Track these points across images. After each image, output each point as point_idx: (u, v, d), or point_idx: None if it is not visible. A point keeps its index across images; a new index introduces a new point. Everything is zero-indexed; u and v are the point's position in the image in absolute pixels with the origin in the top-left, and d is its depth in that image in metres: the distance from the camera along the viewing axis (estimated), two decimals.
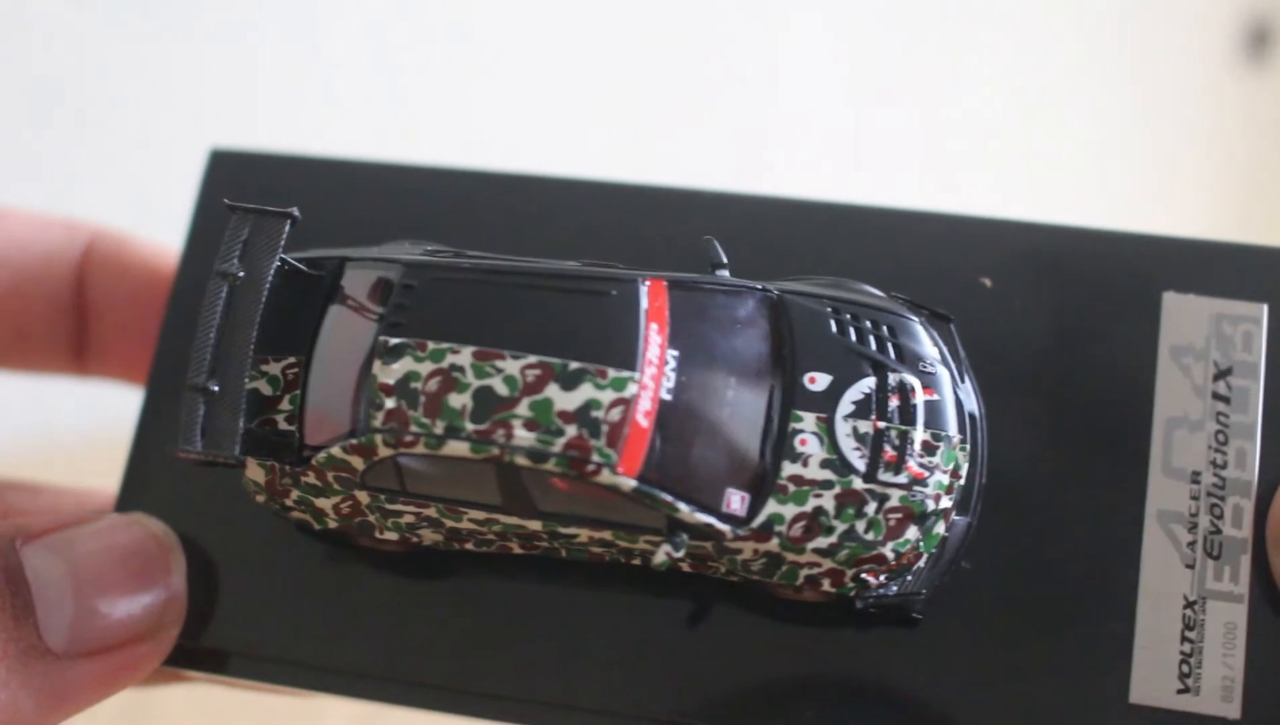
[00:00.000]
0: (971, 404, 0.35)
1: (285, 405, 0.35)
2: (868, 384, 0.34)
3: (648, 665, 0.35)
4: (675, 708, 0.35)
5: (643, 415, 0.33)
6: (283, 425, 0.34)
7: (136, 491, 0.39)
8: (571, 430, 0.33)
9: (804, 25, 1.03)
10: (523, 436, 0.33)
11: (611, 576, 0.35)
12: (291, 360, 0.35)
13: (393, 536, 0.35)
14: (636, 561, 0.35)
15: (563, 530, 0.34)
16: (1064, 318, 0.37)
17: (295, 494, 0.35)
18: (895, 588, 0.34)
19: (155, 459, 0.39)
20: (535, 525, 0.34)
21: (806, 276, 0.36)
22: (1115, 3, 1.19)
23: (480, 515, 0.34)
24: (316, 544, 0.37)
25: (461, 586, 0.36)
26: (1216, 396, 0.36)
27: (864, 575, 0.34)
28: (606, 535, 0.34)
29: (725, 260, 0.35)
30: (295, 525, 0.36)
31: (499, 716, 0.36)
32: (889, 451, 0.34)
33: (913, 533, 0.34)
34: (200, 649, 0.37)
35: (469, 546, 0.35)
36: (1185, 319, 0.37)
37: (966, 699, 0.34)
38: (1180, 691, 0.34)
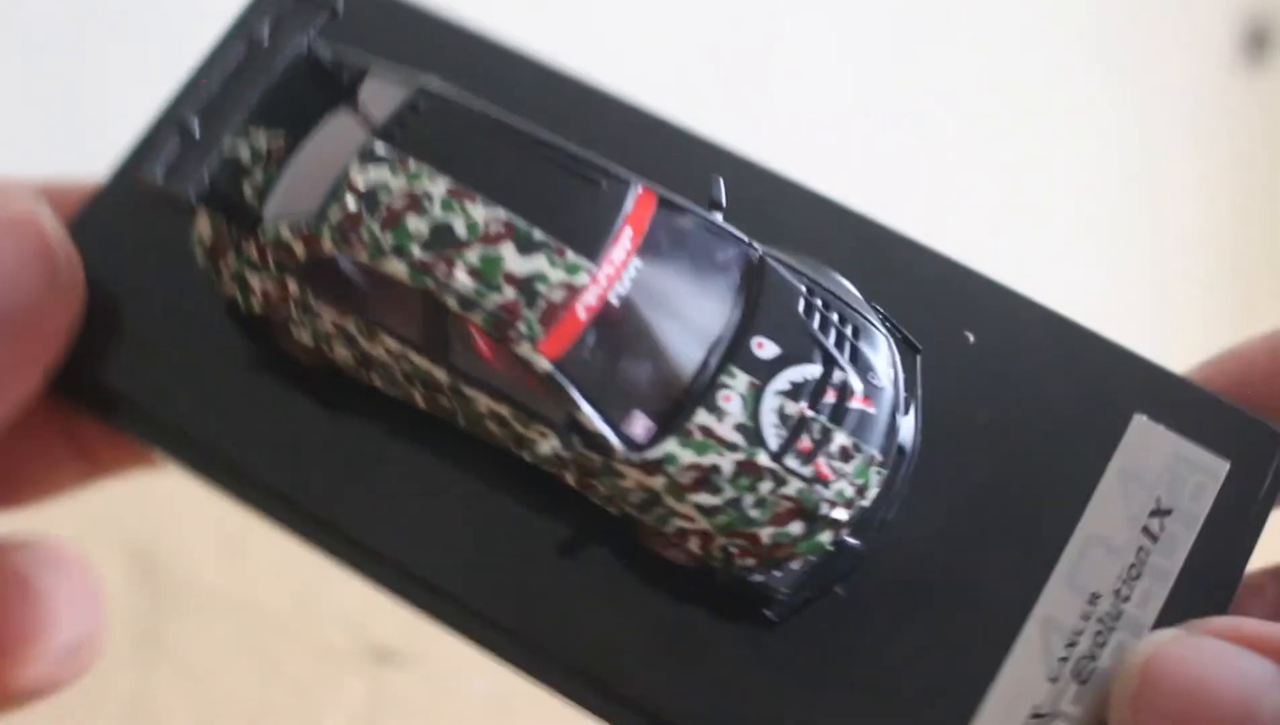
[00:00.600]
0: (906, 438, 0.34)
1: (258, 178, 0.34)
2: (812, 371, 0.33)
3: (501, 569, 0.34)
4: (510, 616, 0.34)
5: (583, 308, 0.32)
6: (248, 194, 0.34)
7: (94, 216, 0.39)
8: (510, 293, 0.32)
9: (802, 25, 1.03)
10: (462, 280, 0.32)
11: (503, 473, 0.35)
12: (281, 142, 0.34)
13: (307, 340, 0.35)
14: (526, 456, 0.34)
15: (466, 390, 0.33)
16: (1029, 400, 0.36)
17: (233, 264, 0.35)
18: (760, 577, 0.33)
19: (126, 198, 0.38)
20: (442, 376, 0.33)
21: (798, 254, 0.36)
22: (1111, 4, 1.17)
23: (395, 346, 0.33)
24: (238, 338, 0.37)
25: (356, 422, 0.36)
26: (1146, 532, 0.35)
27: (733, 550, 0.33)
28: (504, 411, 0.33)
29: (724, 204, 0.35)
30: (225, 306, 0.36)
31: (332, 549, 0.35)
32: (805, 441, 0.33)
33: (796, 528, 0.33)
34: (95, 384, 0.37)
35: (376, 382, 0.35)
36: (1146, 447, 0.35)
37: (785, 720, 0.33)
38: None
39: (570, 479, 0.34)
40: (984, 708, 0.33)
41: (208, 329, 0.37)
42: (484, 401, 0.33)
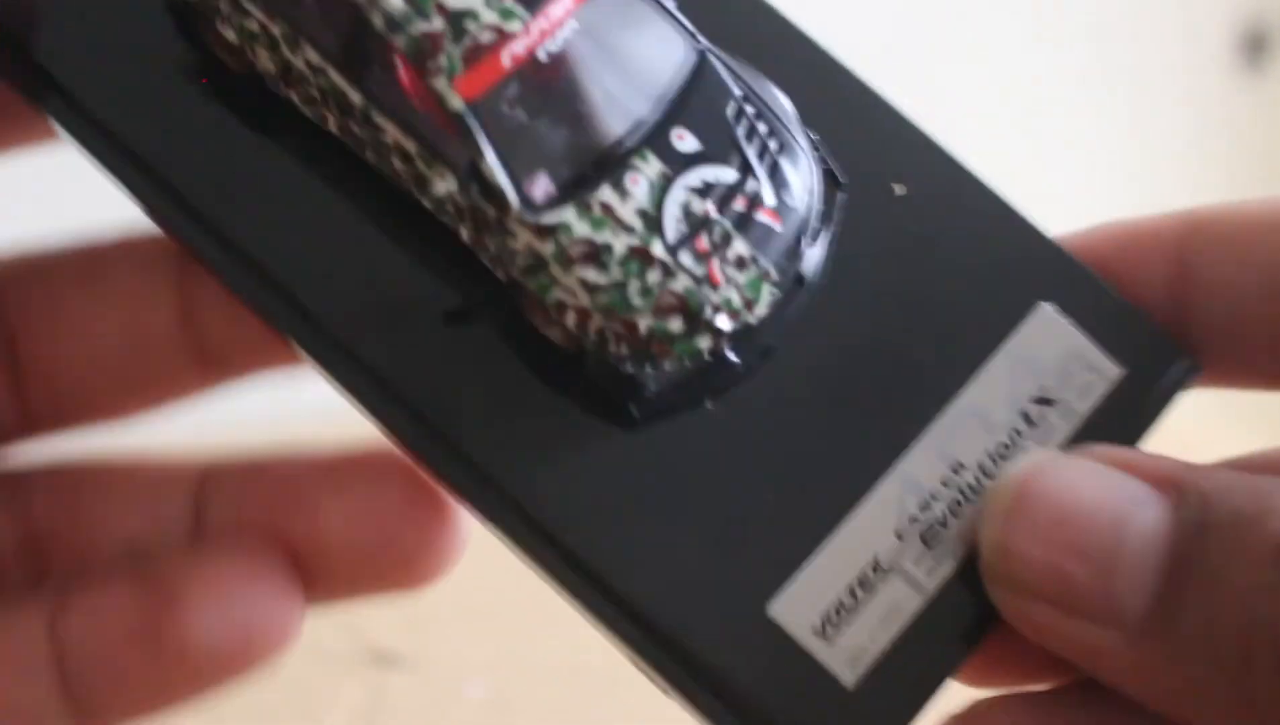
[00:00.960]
0: (809, 269, 0.34)
1: None
2: (727, 174, 0.33)
3: (385, 320, 0.34)
4: (385, 367, 0.34)
5: (509, 55, 0.32)
6: None
7: None
8: (438, 23, 0.31)
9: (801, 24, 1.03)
10: (393, 1, 0.31)
11: (407, 224, 0.34)
12: None
13: (232, 37, 0.34)
14: (425, 200, 0.33)
15: (377, 118, 0.33)
16: (942, 264, 0.35)
17: None
18: (631, 369, 0.33)
19: None
20: (357, 98, 0.33)
21: (745, 63, 0.35)
22: (1108, 8, 1.17)
23: (316, 59, 0.33)
24: (175, 37, 0.36)
25: (273, 141, 0.35)
26: (1025, 416, 0.34)
27: (608, 335, 0.32)
28: (410, 147, 0.32)
29: None
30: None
31: (215, 258, 0.34)
32: (704, 242, 0.32)
33: (676, 325, 0.32)
34: (28, 63, 0.36)
35: (294, 97, 0.34)
36: (1046, 335, 0.35)
37: (626, 527, 0.33)
38: (815, 632, 0.32)
39: (465, 235, 0.33)
40: (824, 547, 0.33)
41: (144, 24, 0.36)
42: (392, 132, 0.33)
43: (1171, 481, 0.31)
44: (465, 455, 0.33)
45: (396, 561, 0.36)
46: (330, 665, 0.53)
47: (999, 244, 0.36)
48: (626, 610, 0.33)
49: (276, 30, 0.33)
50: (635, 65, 0.33)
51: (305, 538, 0.36)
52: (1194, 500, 0.30)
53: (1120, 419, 0.34)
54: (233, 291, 0.35)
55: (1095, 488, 0.31)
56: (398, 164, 0.33)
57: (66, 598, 0.35)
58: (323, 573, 0.36)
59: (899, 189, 0.36)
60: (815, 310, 0.34)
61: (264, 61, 0.34)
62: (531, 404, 0.34)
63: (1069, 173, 1.17)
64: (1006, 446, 0.34)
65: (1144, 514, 0.31)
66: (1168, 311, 0.36)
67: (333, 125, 0.34)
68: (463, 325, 0.34)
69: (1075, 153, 1.17)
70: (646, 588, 0.32)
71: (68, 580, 0.36)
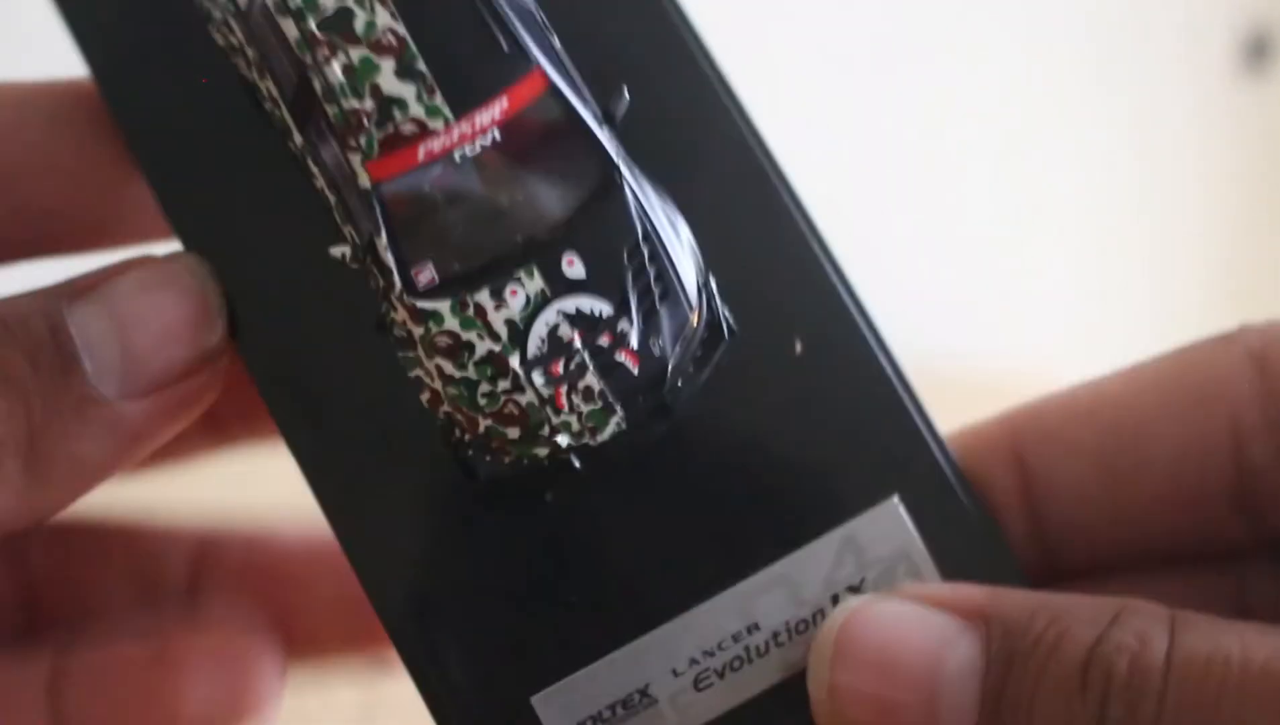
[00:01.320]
0: (676, 403, 0.35)
1: None
2: (603, 308, 0.34)
3: (309, 309, 0.36)
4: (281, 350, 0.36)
5: (425, 150, 0.33)
6: None
7: None
8: (369, 104, 0.33)
9: (799, 29, 0.98)
10: (334, 72, 0.33)
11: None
12: None
13: (220, 42, 0.36)
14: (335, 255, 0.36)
15: (310, 165, 0.35)
16: (810, 432, 0.36)
17: None
18: (470, 454, 0.35)
19: None
20: (297, 140, 0.35)
21: (664, 192, 0.36)
22: (1111, 13, 1.12)
23: (275, 93, 0.35)
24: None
25: (243, 124, 0.37)
26: (834, 600, 0.36)
27: (453, 422, 0.35)
28: (332, 198, 0.35)
29: (618, 119, 0.35)
30: None
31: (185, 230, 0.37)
32: (558, 366, 0.34)
33: (514, 433, 0.34)
34: None
35: (266, 112, 0.36)
36: (885, 529, 0.36)
37: (430, 585, 0.36)
38: None
39: (370, 285, 0.36)
40: (603, 660, 0.36)
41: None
42: (321, 181, 0.35)
43: (980, 613, 0.33)
44: (315, 457, 0.36)
45: (380, 639, 0.39)
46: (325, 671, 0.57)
47: (874, 425, 0.36)
48: (407, 657, 0.36)
49: (250, 53, 0.35)
50: (545, 183, 0.34)
51: (297, 618, 0.40)
52: (998, 630, 0.32)
53: None
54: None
55: (910, 627, 0.33)
56: (325, 204, 0.36)
57: (67, 657, 0.40)
58: (311, 646, 0.40)
59: (799, 346, 0.37)
60: (674, 439, 0.36)
61: (243, 72, 0.36)
62: (387, 441, 0.36)
63: (1070, 180, 1.14)
64: (806, 624, 0.36)
65: (957, 651, 0.33)
66: (1019, 510, 0.37)
67: (292, 148, 0.36)
68: (384, 336, 0.37)
69: (1077, 160, 1.14)
70: (424, 642, 0.35)
71: (68, 638, 0.40)
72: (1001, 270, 1.16)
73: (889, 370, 0.37)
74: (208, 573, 0.42)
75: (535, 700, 0.35)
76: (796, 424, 0.36)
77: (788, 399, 0.36)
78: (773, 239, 0.37)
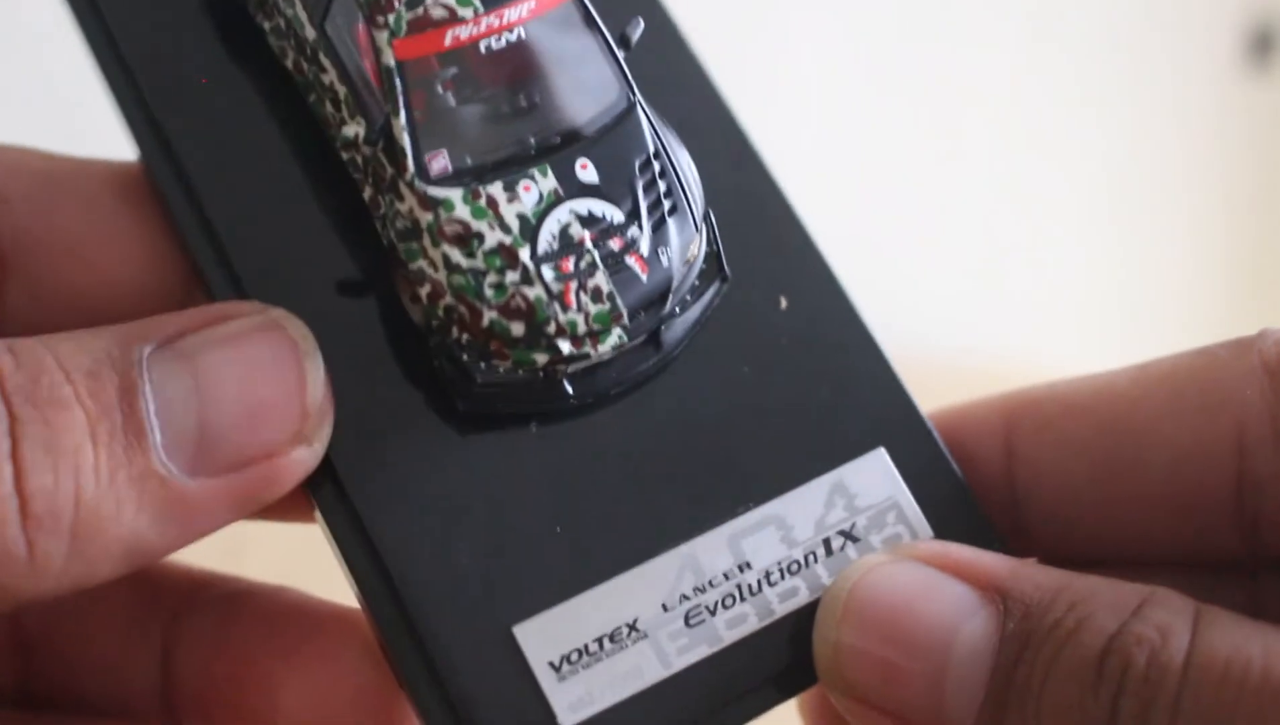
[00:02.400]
0: (668, 336, 0.35)
1: None
2: (615, 214, 0.34)
3: (279, 264, 0.35)
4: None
5: (453, 36, 0.34)
6: None
7: None
8: None
9: (806, 23, 1.01)
10: None
11: (329, 183, 0.35)
12: None
13: None
14: (341, 152, 0.35)
15: (323, 59, 0.35)
16: (797, 381, 0.36)
17: None
18: (466, 358, 0.34)
19: None
20: (311, 34, 0.35)
21: (675, 131, 0.36)
22: (1114, 10, 1.14)
23: None
24: None
25: (240, 62, 0.36)
26: (826, 543, 0.35)
27: (453, 317, 0.33)
28: (342, 92, 0.34)
29: (632, 45, 0.36)
30: None
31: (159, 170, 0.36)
32: (569, 264, 0.33)
33: (518, 329, 0.33)
34: None
35: (265, 25, 0.36)
36: (873, 478, 0.36)
37: (419, 513, 0.34)
38: (551, 666, 0.33)
39: (366, 193, 0.35)
40: (589, 592, 0.33)
41: None
42: (332, 75, 0.34)
43: (998, 587, 0.31)
44: None
45: None
46: None
47: (858, 381, 0.36)
48: (385, 581, 0.33)
49: None
50: (565, 91, 0.35)
51: (262, 717, 0.37)
52: (1017, 609, 0.31)
53: None
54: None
55: (925, 592, 0.32)
56: (329, 109, 0.35)
57: None
58: None
59: (784, 302, 0.37)
60: (663, 378, 0.35)
61: None
62: (376, 376, 0.34)
63: (1070, 178, 1.14)
64: (798, 565, 0.34)
65: (971, 624, 0.31)
66: (1000, 493, 0.36)
67: (289, 61, 0.36)
68: (350, 296, 0.35)
69: (1077, 158, 1.15)
70: (409, 572, 0.33)
71: None
72: (1002, 264, 1.11)
73: (873, 335, 0.37)
74: (179, 657, 0.38)
75: (517, 630, 0.33)
76: (785, 372, 0.36)
77: (776, 347, 0.36)
78: (756, 198, 0.38)
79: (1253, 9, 1.22)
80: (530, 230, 0.33)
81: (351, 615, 0.35)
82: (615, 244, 0.34)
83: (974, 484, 0.36)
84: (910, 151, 1.07)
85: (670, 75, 0.38)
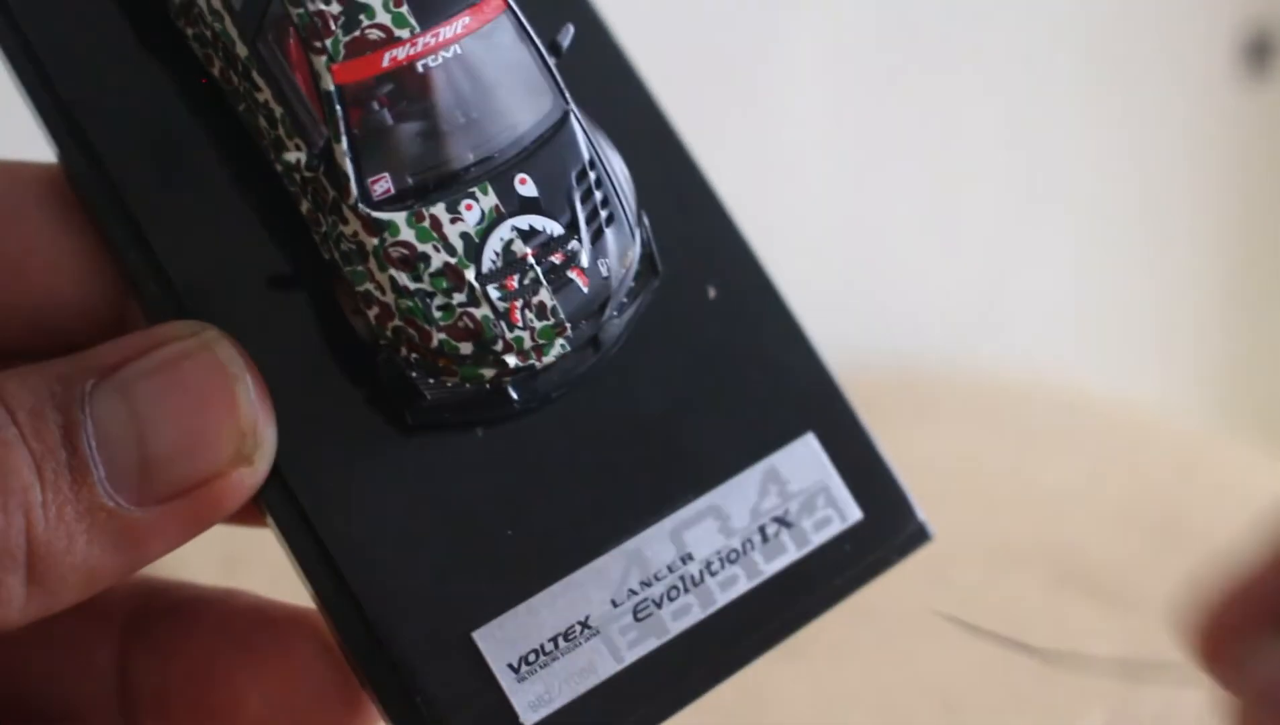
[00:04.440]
0: (606, 336, 0.36)
1: None
2: (553, 227, 0.35)
3: (209, 264, 0.35)
4: (191, 300, 0.35)
5: (390, 57, 0.34)
6: None
7: None
8: (335, 8, 0.33)
9: (806, 32, 1.02)
10: None
11: (257, 185, 0.35)
12: None
13: None
14: (278, 165, 0.35)
15: (256, 77, 0.34)
16: (727, 371, 0.38)
17: None
18: (415, 375, 0.34)
19: None
20: (243, 52, 0.34)
21: (605, 133, 0.37)
22: (1110, 15, 1.16)
23: (217, 4, 0.34)
24: None
25: (168, 77, 0.36)
26: (762, 531, 0.37)
27: (401, 339, 0.34)
28: (278, 111, 0.34)
29: (563, 52, 0.36)
30: None
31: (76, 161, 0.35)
32: (513, 282, 0.34)
33: (466, 348, 0.34)
34: None
35: (188, 31, 0.36)
36: (803, 463, 0.37)
37: (371, 521, 0.34)
38: (510, 668, 0.34)
39: (304, 207, 0.35)
40: (542, 593, 0.35)
41: None
42: (267, 94, 0.34)
43: None
44: None
45: None
46: None
47: (786, 367, 0.38)
48: (343, 593, 0.34)
49: None
50: (501, 105, 0.35)
51: (223, 720, 0.37)
52: None
53: (842, 561, 0.37)
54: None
55: None
56: (263, 123, 0.35)
57: None
58: None
59: (712, 292, 0.38)
60: (602, 376, 0.36)
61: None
62: (319, 381, 0.35)
63: (1070, 177, 1.15)
64: (736, 553, 0.36)
65: None
66: None
67: (215, 69, 0.35)
68: (282, 291, 0.35)
69: (1072, 167, 1.15)
70: (366, 584, 0.34)
71: None
72: (998, 272, 1.13)
73: (798, 320, 0.39)
74: (135, 668, 0.38)
75: (477, 635, 0.34)
76: (717, 362, 0.38)
77: (707, 338, 0.38)
78: (683, 191, 0.39)
79: (1249, 15, 1.21)
80: (474, 249, 0.34)
81: (308, 614, 0.37)
82: (556, 258, 0.35)
83: None
84: (904, 159, 1.06)
85: (596, 73, 0.38)
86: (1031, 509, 0.69)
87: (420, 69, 0.34)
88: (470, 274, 0.34)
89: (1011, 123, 1.11)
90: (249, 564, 0.43)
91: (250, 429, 0.33)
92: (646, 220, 0.37)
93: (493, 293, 0.34)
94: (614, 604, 0.35)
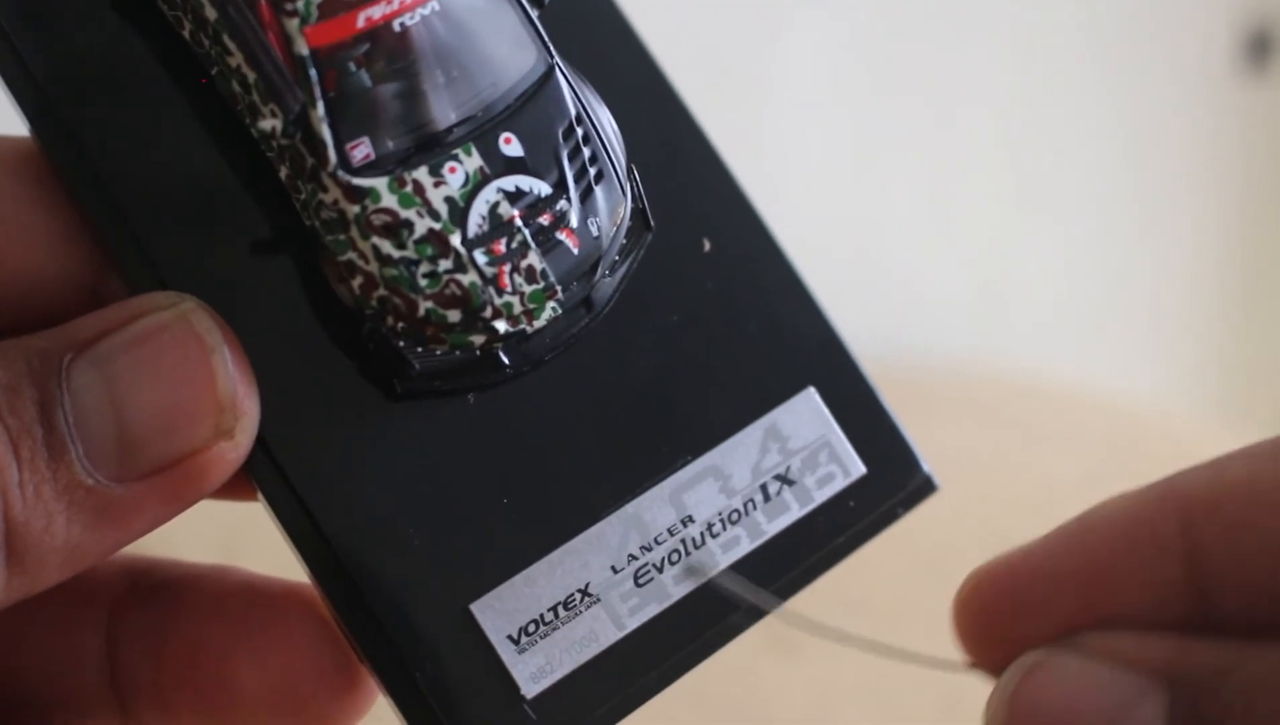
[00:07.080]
0: (599, 296, 0.35)
1: None
2: (541, 187, 0.34)
3: (194, 228, 0.34)
4: (172, 271, 0.34)
5: (365, 17, 0.32)
6: None
7: None
8: None
9: (805, 27, 1.01)
10: None
11: (237, 149, 0.34)
12: None
13: None
14: (253, 131, 0.34)
15: (227, 40, 0.33)
16: (726, 326, 0.37)
17: None
18: (402, 344, 0.34)
19: None
20: (212, 14, 0.33)
21: (592, 87, 0.36)
22: (1110, 10, 1.17)
23: None
24: None
25: (140, 40, 0.35)
26: (764, 489, 0.36)
27: (387, 309, 0.33)
28: (251, 76, 0.33)
29: (545, 3, 0.35)
30: None
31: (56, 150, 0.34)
32: (501, 245, 0.33)
33: (454, 316, 0.33)
34: None
35: None
36: (804, 419, 0.37)
37: (364, 491, 0.34)
38: (510, 639, 0.34)
39: (282, 174, 0.34)
40: (539, 562, 0.34)
41: None
42: (239, 58, 0.33)
43: (1165, 672, 0.30)
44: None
45: (306, 718, 0.36)
46: None
47: (785, 320, 0.37)
48: (338, 569, 0.33)
49: None
50: (483, 61, 0.34)
51: (219, 700, 0.36)
52: (1185, 696, 0.29)
53: (846, 517, 0.36)
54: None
55: (1089, 691, 0.30)
56: (236, 89, 0.34)
57: None
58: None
59: (707, 245, 0.37)
60: (595, 337, 0.36)
61: None
62: (306, 351, 0.34)
63: (1071, 174, 1.16)
64: (738, 514, 0.36)
65: (1139, 714, 0.29)
66: (1182, 606, 0.32)
67: (186, 31, 0.34)
68: (264, 257, 0.34)
69: (1074, 163, 1.16)
70: (362, 558, 0.33)
71: None
72: (997, 268, 1.13)
73: (796, 271, 0.38)
74: (124, 647, 0.37)
75: (475, 608, 0.34)
76: (713, 317, 0.37)
77: (703, 293, 0.37)
78: (676, 141, 0.38)
79: (1249, 11, 1.21)
80: (459, 214, 0.33)
81: (303, 589, 0.36)
82: (545, 219, 0.34)
83: (1154, 602, 0.32)
84: (906, 158, 1.05)
85: (585, 24, 0.37)
86: (1031, 504, 0.68)
87: (398, 27, 0.33)
88: (456, 239, 0.33)
89: (1012, 120, 1.11)
90: (249, 542, 0.42)
91: (229, 402, 0.32)
92: (637, 175, 0.36)
93: (480, 258, 0.33)
94: (614, 570, 0.35)
